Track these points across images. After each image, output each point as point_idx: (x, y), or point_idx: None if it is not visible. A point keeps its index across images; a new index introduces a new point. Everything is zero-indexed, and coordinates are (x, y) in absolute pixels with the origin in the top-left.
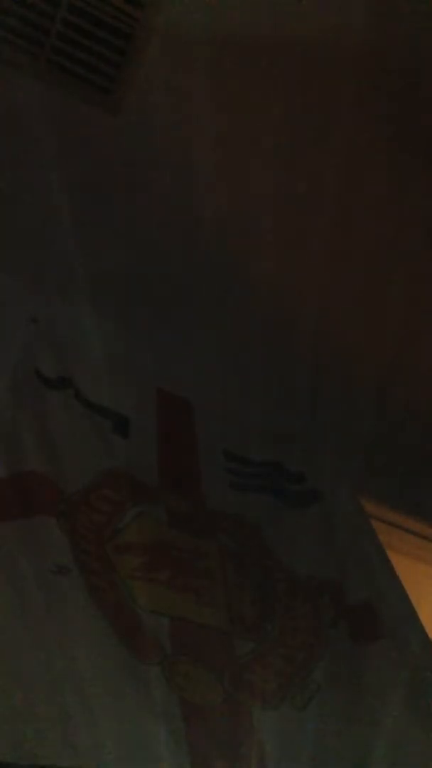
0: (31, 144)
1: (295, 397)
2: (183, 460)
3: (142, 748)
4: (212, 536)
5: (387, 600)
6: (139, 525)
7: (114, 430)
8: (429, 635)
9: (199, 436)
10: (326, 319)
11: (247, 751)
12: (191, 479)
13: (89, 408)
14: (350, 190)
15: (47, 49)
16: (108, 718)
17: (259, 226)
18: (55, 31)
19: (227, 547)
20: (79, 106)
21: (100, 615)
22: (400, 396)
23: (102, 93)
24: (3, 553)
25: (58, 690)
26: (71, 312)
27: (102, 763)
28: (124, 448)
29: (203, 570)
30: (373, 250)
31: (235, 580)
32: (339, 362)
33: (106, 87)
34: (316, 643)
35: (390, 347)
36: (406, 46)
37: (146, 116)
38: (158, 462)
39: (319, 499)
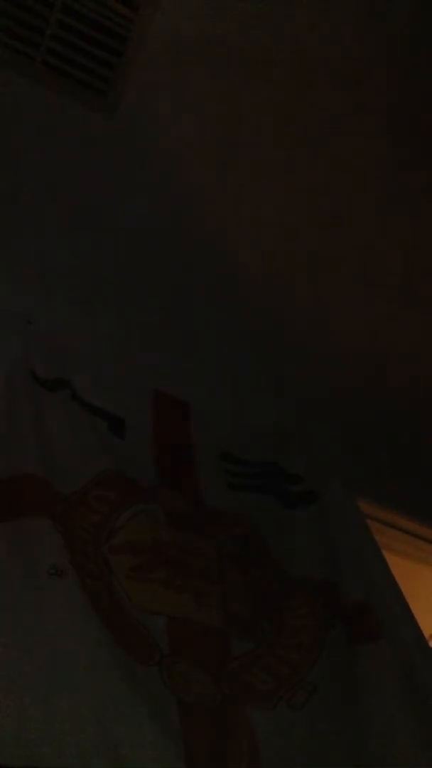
0: (26, 145)
1: (293, 397)
2: (180, 460)
3: (138, 750)
4: (210, 536)
5: (384, 600)
6: (137, 525)
7: (111, 431)
8: (425, 635)
9: (196, 437)
10: (325, 319)
11: (244, 751)
12: (189, 479)
13: (86, 409)
14: (347, 188)
15: (42, 50)
16: (104, 720)
17: (257, 226)
18: (50, 32)
19: (225, 546)
20: (74, 107)
21: (96, 616)
22: (397, 396)
23: (97, 94)
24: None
25: (54, 692)
26: (67, 313)
27: (97, 764)
28: (121, 448)
29: (201, 569)
30: (369, 248)
31: (232, 579)
32: (336, 362)
33: (102, 88)
34: (313, 643)
35: (388, 347)
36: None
37: (142, 117)
38: (155, 462)
39: (316, 500)
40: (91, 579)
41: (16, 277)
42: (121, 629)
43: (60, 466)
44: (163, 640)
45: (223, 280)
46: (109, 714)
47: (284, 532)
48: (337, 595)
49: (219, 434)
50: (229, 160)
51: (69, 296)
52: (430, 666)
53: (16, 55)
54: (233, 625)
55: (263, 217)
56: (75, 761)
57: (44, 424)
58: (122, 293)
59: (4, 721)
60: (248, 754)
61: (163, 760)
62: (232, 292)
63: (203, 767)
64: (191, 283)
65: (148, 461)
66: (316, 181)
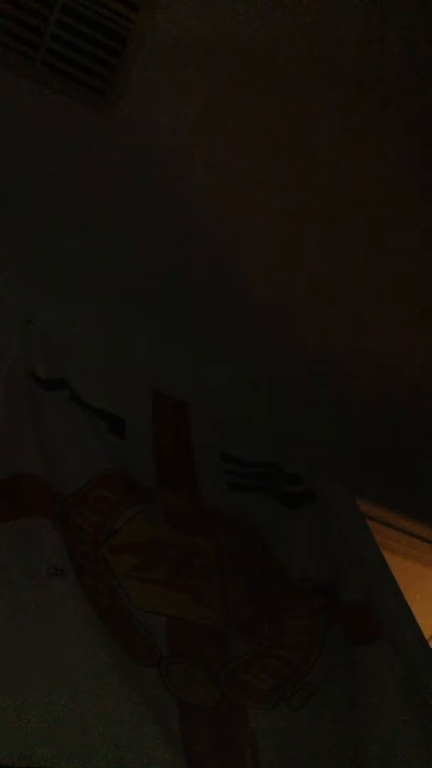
0: (26, 145)
1: (292, 397)
2: (179, 461)
3: (137, 750)
4: (209, 536)
5: (383, 601)
6: (136, 525)
7: (110, 432)
8: (425, 636)
9: (196, 437)
10: (324, 319)
11: (243, 751)
12: (188, 480)
13: (86, 409)
14: (348, 188)
15: (42, 50)
16: (104, 720)
17: (257, 226)
18: (50, 32)
19: (224, 546)
20: (74, 107)
21: (96, 616)
22: (397, 396)
23: (97, 94)
24: None
25: (54, 692)
26: (67, 313)
27: (97, 765)
28: (121, 449)
29: (200, 569)
30: (370, 249)
31: (232, 579)
32: (336, 362)
33: (102, 88)
34: (313, 643)
35: (388, 347)
36: (401, 51)
37: (142, 117)
38: (155, 463)
39: (315, 500)
40: (91, 579)
41: (16, 277)
42: (121, 629)
43: (60, 466)
44: (162, 640)
45: (223, 279)
46: (109, 714)
47: (284, 532)
48: (337, 595)
49: (219, 434)
50: (230, 159)
51: (69, 296)
52: (430, 666)
53: (16, 55)
54: (233, 625)
55: (264, 217)
56: (75, 761)
57: (44, 424)
58: (122, 293)
59: (5, 721)
60: (248, 754)
61: (163, 760)
62: (232, 291)
63: (203, 767)
64: (191, 282)
65: (148, 461)
66: (317, 181)
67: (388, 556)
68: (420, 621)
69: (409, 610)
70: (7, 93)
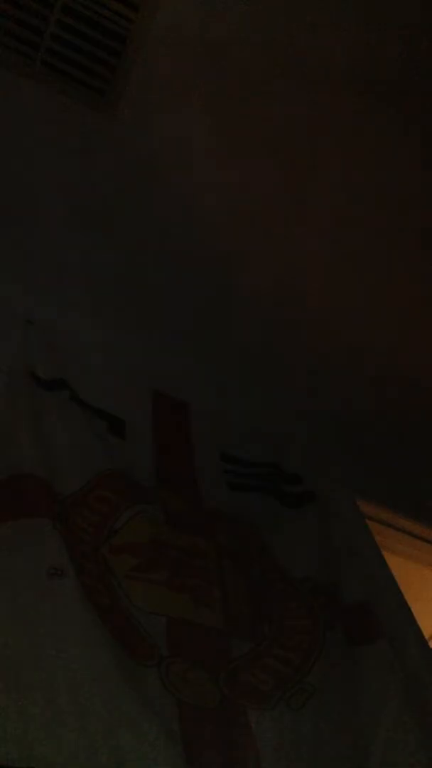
0: (26, 145)
1: (292, 398)
2: (180, 461)
3: (137, 750)
4: (209, 536)
5: (384, 601)
6: (136, 525)
7: (110, 432)
8: (425, 636)
9: (196, 437)
10: (324, 318)
11: (243, 752)
12: (188, 480)
13: (85, 409)
14: (349, 188)
15: (42, 50)
16: (104, 721)
17: (257, 226)
18: (50, 32)
19: (224, 546)
20: (74, 107)
21: (96, 617)
22: (397, 397)
23: (97, 94)
24: None
25: (54, 692)
26: (67, 313)
27: (97, 765)
28: (121, 449)
29: (200, 569)
30: (372, 249)
31: (232, 579)
32: (336, 362)
33: (102, 88)
34: (313, 643)
35: (388, 348)
36: (401, 51)
37: (142, 117)
38: (155, 463)
39: (315, 500)
40: (91, 579)
41: (17, 277)
42: (121, 630)
43: (60, 466)
44: (162, 640)
45: (224, 280)
46: (109, 714)
47: (284, 532)
48: (337, 595)
49: (219, 434)
50: (231, 160)
51: (69, 296)
52: (431, 666)
53: (16, 55)
54: (233, 626)
55: (264, 217)
56: (75, 761)
57: (44, 424)
58: (122, 293)
59: (5, 721)
60: (249, 754)
61: (163, 760)
62: (233, 291)
63: (203, 767)
64: (191, 283)
65: (148, 461)
66: (319, 182)
67: (388, 556)
68: (420, 621)
69: (409, 610)
70: (7, 93)
